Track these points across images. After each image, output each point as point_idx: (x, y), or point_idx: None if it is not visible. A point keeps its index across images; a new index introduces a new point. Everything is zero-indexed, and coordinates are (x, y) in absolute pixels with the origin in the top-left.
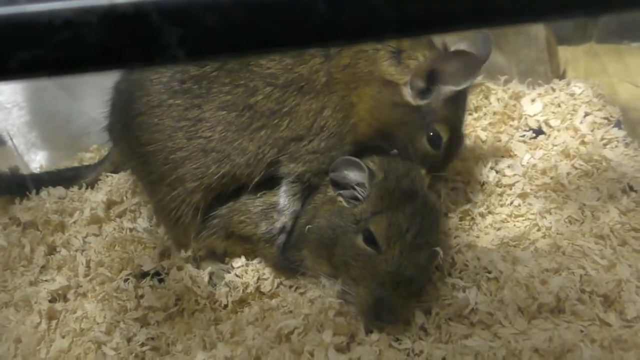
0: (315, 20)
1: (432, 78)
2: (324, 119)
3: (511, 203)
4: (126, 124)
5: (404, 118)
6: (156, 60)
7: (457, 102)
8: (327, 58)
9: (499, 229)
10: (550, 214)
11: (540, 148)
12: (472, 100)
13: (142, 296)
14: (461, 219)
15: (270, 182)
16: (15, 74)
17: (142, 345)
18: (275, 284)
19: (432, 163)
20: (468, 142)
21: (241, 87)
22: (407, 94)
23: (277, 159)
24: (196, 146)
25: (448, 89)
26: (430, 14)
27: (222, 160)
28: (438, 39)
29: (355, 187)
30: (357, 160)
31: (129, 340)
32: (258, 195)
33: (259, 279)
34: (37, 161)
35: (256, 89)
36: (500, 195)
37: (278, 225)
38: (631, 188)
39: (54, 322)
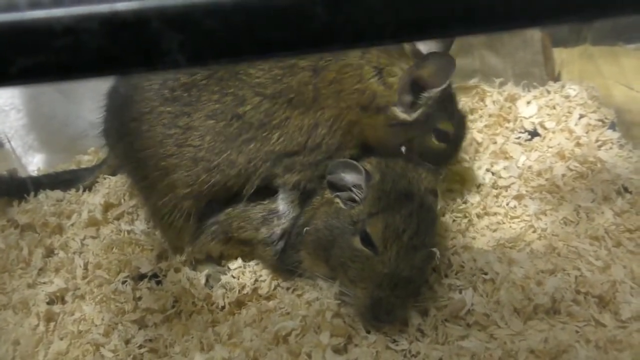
0: (315, 25)
1: (415, 88)
2: (319, 136)
3: (507, 204)
4: (120, 129)
5: (406, 134)
6: (157, 66)
7: (446, 94)
8: (315, 72)
9: (494, 230)
10: (546, 215)
11: (536, 150)
12: (468, 102)
13: (139, 298)
14: (457, 220)
15: (267, 189)
16: (16, 80)
17: (140, 347)
18: (273, 286)
19: (443, 153)
20: (464, 144)
21: (230, 96)
22: (399, 112)
23: (272, 172)
24: (186, 154)
25: (433, 91)
26: (428, 19)
27: (212, 169)
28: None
29: (352, 188)
30: (354, 162)
31: (126, 342)
32: (257, 202)
33: (256, 280)
34: (34, 164)
35: (244, 99)
36: (496, 196)
37: (279, 231)
38: (625, 189)
39: (52, 325)
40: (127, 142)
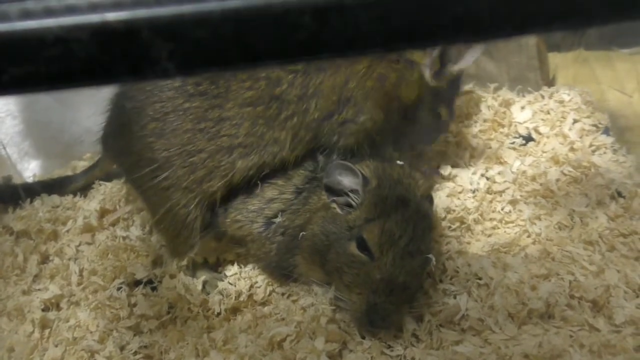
0: (303, 34)
1: (443, 59)
2: (349, 90)
3: (501, 209)
4: (135, 132)
5: (426, 99)
6: (147, 75)
7: (456, 84)
8: None
9: (489, 235)
10: (540, 220)
11: (530, 155)
12: (463, 107)
13: (135, 304)
14: (452, 225)
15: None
16: (8, 89)
17: (135, 353)
18: (268, 292)
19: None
20: (459, 149)
21: (263, 80)
22: (427, 74)
23: (316, 138)
24: (219, 145)
25: (455, 68)
26: (415, 28)
27: (250, 153)
28: None
29: (349, 193)
30: (352, 165)
31: (121, 348)
32: (253, 194)
33: (251, 286)
34: (30, 170)
35: (280, 79)
36: (491, 201)
37: (275, 224)
38: (619, 194)
39: (47, 331)
40: (145, 145)
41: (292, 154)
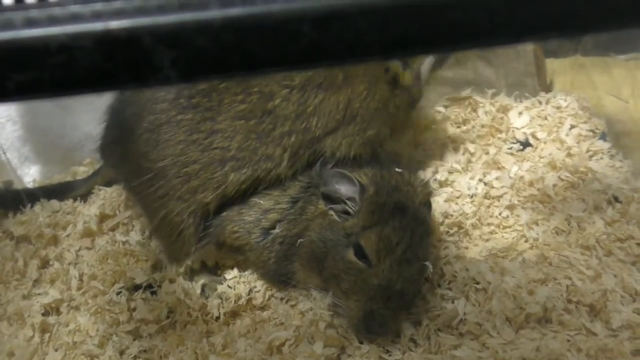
0: (302, 42)
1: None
2: (354, 109)
3: (499, 214)
4: (130, 142)
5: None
6: (149, 82)
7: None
8: None
9: (487, 240)
10: (538, 225)
11: (528, 160)
12: (460, 113)
13: (134, 309)
14: (450, 230)
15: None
16: (12, 96)
17: (135, 358)
18: (267, 296)
19: None
20: (457, 154)
21: (256, 95)
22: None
23: (317, 152)
24: (212, 157)
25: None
26: (414, 36)
27: (242, 167)
28: None
29: (347, 201)
30: (349, 174)
31: (121, 353)
32: (252, 204)
33: (250, 291)
34: (30, 175)
35: (272, 94)
36: (489, 206)
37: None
38: (616, 199)
39: (47, 336)
40: (140, 154)
41: (289, 170)
